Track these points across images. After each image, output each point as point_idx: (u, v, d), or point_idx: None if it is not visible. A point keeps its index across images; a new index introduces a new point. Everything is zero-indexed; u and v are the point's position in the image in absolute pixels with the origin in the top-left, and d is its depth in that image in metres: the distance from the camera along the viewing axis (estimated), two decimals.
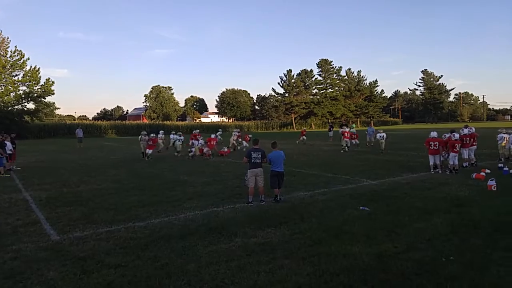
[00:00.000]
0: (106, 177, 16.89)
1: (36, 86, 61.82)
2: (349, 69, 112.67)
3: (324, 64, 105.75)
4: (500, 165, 16.64)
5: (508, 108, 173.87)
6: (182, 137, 27.75)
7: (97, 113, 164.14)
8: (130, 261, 6.64)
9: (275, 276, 5.86)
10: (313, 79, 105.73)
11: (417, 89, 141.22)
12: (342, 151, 26.82)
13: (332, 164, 19.93)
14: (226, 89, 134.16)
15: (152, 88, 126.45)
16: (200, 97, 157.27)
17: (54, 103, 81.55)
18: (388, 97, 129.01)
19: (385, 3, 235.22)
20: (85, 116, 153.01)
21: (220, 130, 38.06)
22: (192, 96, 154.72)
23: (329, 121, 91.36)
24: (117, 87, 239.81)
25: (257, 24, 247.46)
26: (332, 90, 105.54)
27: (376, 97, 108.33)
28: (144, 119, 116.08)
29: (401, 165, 18.74)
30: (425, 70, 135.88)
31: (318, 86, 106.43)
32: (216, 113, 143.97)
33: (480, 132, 18.09)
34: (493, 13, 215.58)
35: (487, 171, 15.03)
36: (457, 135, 15.86)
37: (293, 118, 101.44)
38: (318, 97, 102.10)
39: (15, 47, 60.73)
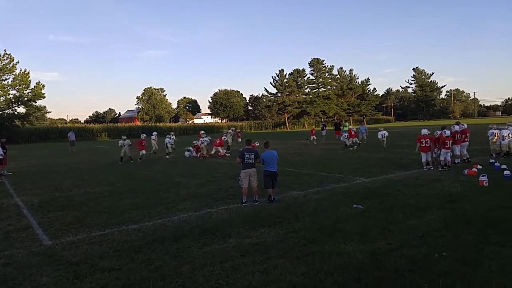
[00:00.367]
0: (99, 180, 16.80)
1: (26, 90, 61.35)
2: (341, 68, 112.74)
3: (316, 63, 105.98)
4: (491, 160, 16.73)
5: (499, 104, 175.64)
6: (176, 138, 27.81)
7: (89, 116, 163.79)
8: (123, 264, 6.61)
9: (270, 276, 5.86)
10: (305, 78, 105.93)
11: (409, 87, 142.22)
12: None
13: (325, 163, 19.97)
14: (219, 90, 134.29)
15: (144, 90, 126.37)
16: (193, 98, 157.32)
17: (45, 106, 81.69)
18: (380, 95, 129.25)
19: (376, 2, 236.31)
20: (77, 119, 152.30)
21: (225, 131, 38.13)
22: (184, 97, 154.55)
23: (322, 120, 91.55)
24: (109, 89, 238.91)
25: (249, 24, 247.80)
26: (325, 89, 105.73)
27: (368, 96, 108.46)
28: (136, 122, 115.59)
29: (394, 162, 18.82)
30: (417, 67, 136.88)
31: (311, 85, 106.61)
32: (209, 114, 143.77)
33: (471, 128, 18.21)
34: (483, 11, 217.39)
35: (479, 167, 15.12)
36: (448, 132, 15.95)
37: (286, 118, 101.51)
38: (310, 96, 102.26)
39: (4, 50, 60.46)
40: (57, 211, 11.07)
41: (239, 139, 32.80)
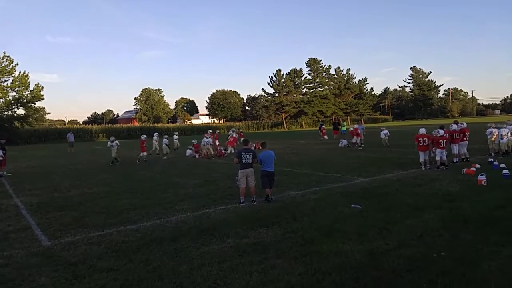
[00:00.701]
0: (97, 181, 16.80)
1: (25, 92, 61.46)
2: (338, 67, 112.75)
3: (313, 63, 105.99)
4: (490, 159, 16.74)
5: (497, 102, 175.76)
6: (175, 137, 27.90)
7: (87, 117, 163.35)
8: (122, 264, 6.61)
9: (267, 276, 5.86)
10: (303, 78, 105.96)
11: (406, 86, 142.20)
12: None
13: (323, 163, 19.98)
14: (216, 90, 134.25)
15: (142, 91, 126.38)
16: (191, 99, 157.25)
17: (44, 108, 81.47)
18: (377, 94, 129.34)
19: (373, 2, 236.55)
20: (75, 120, 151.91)
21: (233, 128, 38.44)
22: (182, 98, 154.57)
23: (320, 120, 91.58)
24: (107, 90, 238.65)
25: (246, 25, 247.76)
26: (322, 89, 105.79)
27: (366, 95, 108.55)
28: (134, 122, 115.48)
29: (391, 162, 18.82)
30: (414, 67, 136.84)
31: (308, 85, 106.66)
32: (206, 115, 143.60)
33: (469, 127, 18.20)
34: (481, 10, 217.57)
35: (477, 166, 15.13)
36: (441, 131, 15.88)
37: (283, 118, 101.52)
38: (308, 96, 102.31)
39: (4, 52, 60.24)
40: (56, 211, 11.07)
41: (242, 139, 32.57)
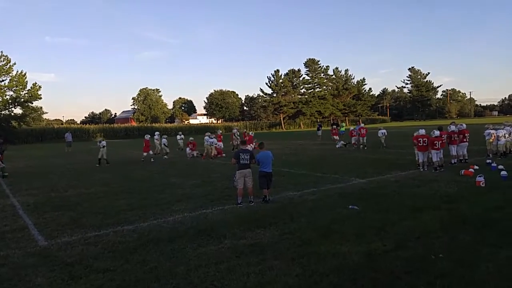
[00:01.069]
0: (95, 181, 16.75)
1: (23, 91, 61.50)
2: (337, 68, 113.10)
3: (311, 64, 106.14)
4: (488, 161, 16.73)
5: (495, 104, 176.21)
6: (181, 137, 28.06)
7: (85, 117, 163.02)
8: (118, 265, 6.57)
9: (265, 277, 5.83)
10: (301, 78, 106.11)
11: (404, 87, 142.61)
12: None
13: (321, 164, 19.96)
14: (214, 90, 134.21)
15: (140, 90, 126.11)
16: (188, 99, 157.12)
17: (41, 107, 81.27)
18: (376, 95, 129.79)
19: (371, 3, 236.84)
20: (73, 120, 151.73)
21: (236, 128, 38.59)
22: (180, 98, 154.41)
23: (318, 120, 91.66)
24: (104, 90, 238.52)
25: (244, 25, 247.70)
26: (320, 90, 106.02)
27: (364, 96, 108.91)
28: (132, 122, 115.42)
29: (390, 163, 18.81)
30: (412, 67, 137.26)
31: (306, 85, 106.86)
32: (204, 115, 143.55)
33: (468, 128, 18.20)
34: (478, 11, 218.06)
35: (476, 167, 15.11)
36: (436, 132, 15.86)
37: (281, 118, 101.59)
38: (306, 96, 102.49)
39: (1, 52, 60.25)
40: (52, 211, 11.02)
41: (240, 139, 32.69)
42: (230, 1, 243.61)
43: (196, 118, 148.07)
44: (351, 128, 34.34)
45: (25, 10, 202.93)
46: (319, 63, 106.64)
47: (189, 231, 8.43)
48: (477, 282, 5.44)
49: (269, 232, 8.13)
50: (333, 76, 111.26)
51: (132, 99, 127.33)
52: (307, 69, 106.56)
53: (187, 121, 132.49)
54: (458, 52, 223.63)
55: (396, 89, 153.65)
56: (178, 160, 24.73)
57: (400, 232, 7.76)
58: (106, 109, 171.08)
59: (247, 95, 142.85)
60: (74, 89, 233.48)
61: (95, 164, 23.49)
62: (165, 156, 26.09)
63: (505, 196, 10.76)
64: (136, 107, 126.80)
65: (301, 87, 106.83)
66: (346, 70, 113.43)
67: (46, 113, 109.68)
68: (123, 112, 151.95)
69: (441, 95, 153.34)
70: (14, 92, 60.84)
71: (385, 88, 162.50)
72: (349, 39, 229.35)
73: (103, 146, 23.75)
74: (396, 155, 22.09)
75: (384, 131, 29.15)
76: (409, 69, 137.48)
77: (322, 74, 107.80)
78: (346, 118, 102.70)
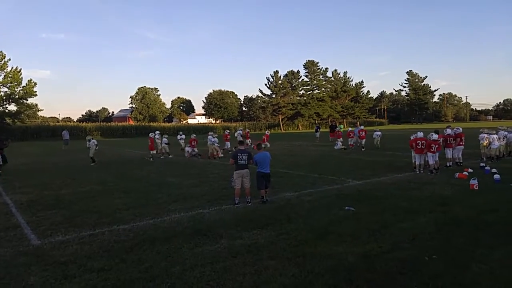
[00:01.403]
0: (91, 180, 16.69)
1: (17, 88, 61.15)
2: (335, 70, 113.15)
3: (310, 65, 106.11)
4: (482, 164, 16.82)
5: (490, 108, 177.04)
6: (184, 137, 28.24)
7: (82, 115, 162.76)
8: (113, 264, 6.55)
9: (261, 277, 5.83)
10: (300, 80, 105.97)
11: (402, 90, 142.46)
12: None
13: (318, 165, 19.97)
14: (213, 90, 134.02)
15: (138, 89, 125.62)
16: (187, 98, 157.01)
17: (36, 104, 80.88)
18: (374, 98, 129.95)
19: (370, 5, 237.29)
20: (69, 118, 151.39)
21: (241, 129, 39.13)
22: (178, 97, 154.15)
23: (316, 122, 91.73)
24: (102, 88, 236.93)
25: (244, 25, 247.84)
26: (319, 91, 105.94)
27: (362, 98, 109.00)
28: (130, 121, 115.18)
29: (386, 165, 18.85)
30: (410, 71, 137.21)
31: (305, 87, 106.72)
32: (203, 115, 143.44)
33: (463, 132, 18.29)
34: (475, 15, 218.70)
35: (470, 170, 15.22)
36: (434, 135, 15.92)
37: (280, 119, 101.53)
38: (305, 98, 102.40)
39: None
40: (46, 210, 10.97)
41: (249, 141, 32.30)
42: (230, 1, 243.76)
43: (194, 118, 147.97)
44: (349, 129, 34.40)
45: (21, 6, 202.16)
46: (318, 65, 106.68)
47: (185, 231, 8.42)
48: (469, 283, 5.48)
49: (265, 233, 8.13)
50: (332, 78, 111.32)
51: (130, 97, 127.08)
52: (306, 70, 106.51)
53: (186, 121, 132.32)
54: (455, 56, 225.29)
55: (394, 92, 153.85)
56: (176, 160, 24.68)
57: (395, 234, 7.79)
58: (103, 108, 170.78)
59: (246, 96, 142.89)
60: (71, 86, 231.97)
61: (90, 163, 23.35)
62: (162, 157, 26.02)
63: (497, 198, 10.85)
64: (134, 105, 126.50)
65: (300, 88, 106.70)
66: (345, 73, 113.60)
67: (42, 110, 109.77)
68: (121, 110, 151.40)
69: (437, 99, 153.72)
70: (8, 89, 60.50)
71: (383, 91, 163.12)
72: (348, 42, 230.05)
73: (95, 145, 24.15)
74: (393, 157, 22.13)
75: (379, 133, 29.79)
76: (407, 72, 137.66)
77: (321, 76, 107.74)
78: (344, 120, 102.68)
